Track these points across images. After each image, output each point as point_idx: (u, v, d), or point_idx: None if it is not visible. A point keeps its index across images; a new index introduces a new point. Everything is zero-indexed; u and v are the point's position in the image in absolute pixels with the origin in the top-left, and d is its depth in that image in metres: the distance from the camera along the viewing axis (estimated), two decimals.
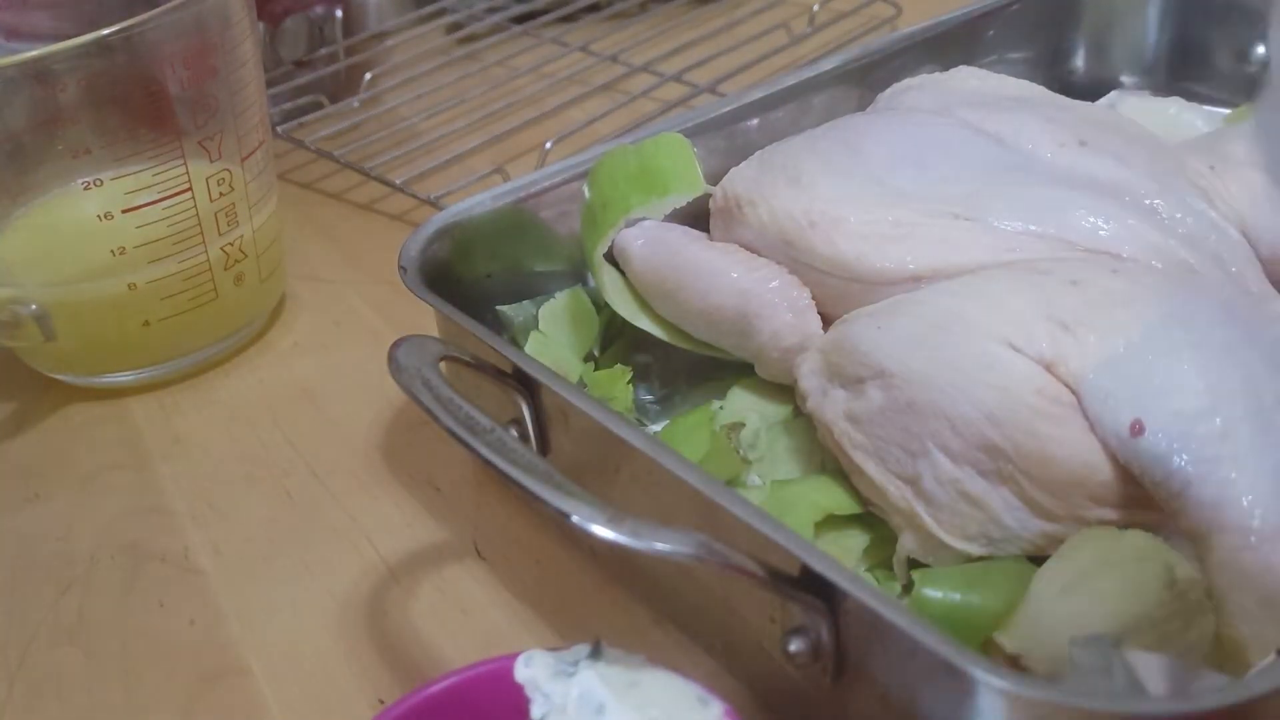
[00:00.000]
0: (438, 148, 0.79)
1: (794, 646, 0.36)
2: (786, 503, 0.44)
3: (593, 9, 0.97)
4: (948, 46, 0.66)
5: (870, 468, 0.43)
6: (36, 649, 0.47)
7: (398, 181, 0.74)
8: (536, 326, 0.54)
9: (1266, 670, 0.31)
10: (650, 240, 0.51)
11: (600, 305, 0.54)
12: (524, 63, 0.90)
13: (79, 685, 0.46)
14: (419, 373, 0.41)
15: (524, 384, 0.46)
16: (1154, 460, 0.38)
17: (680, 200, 0.51)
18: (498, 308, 0.55)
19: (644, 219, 0.52)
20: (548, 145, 0.72)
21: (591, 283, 0.56)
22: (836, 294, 0.47)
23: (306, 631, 0.46)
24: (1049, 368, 0.40)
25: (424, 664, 0.44)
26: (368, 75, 0.88)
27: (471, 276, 0.54)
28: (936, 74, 0.60)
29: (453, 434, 0.39)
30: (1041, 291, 0.42)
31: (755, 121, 0.60)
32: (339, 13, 0.87)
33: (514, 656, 0.35)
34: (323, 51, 0.87)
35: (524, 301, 0.55)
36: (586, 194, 0.53)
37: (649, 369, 0.54)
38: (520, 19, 0.96)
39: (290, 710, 0.43)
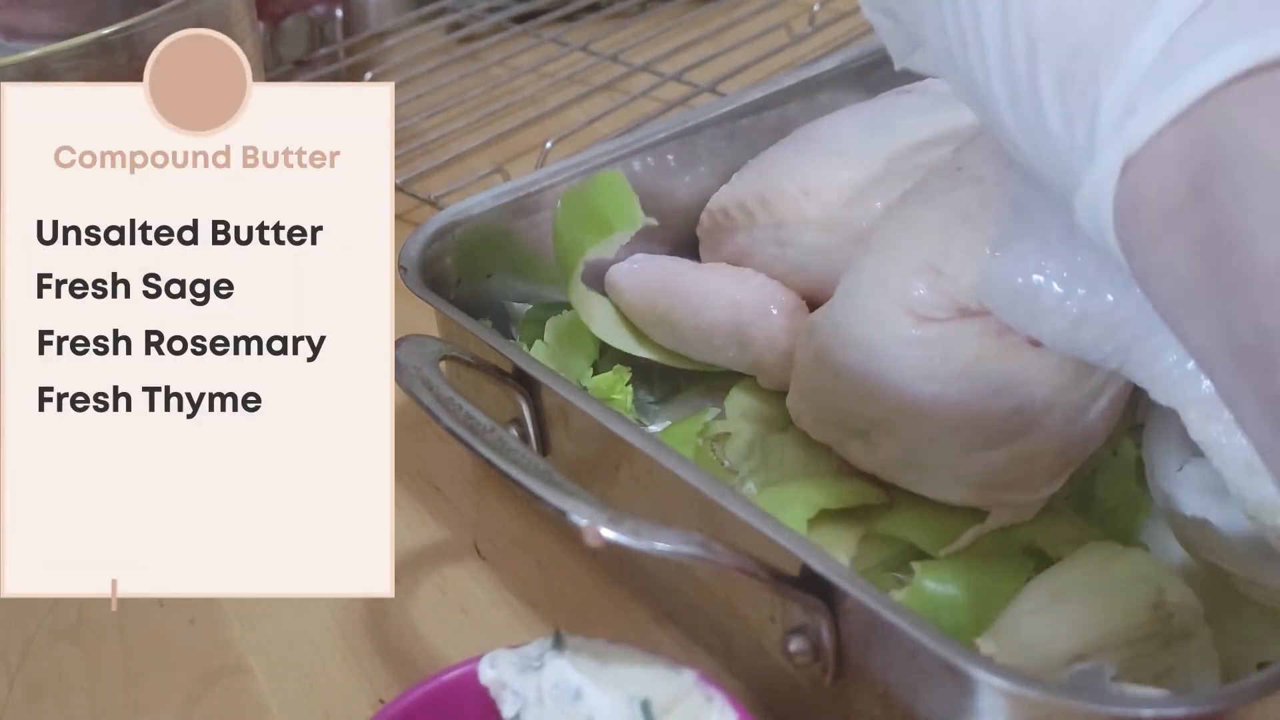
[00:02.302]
0: (438, 147, 0.79)
1: (794, 646, 0.36)
2: (778, 501, 0.44)
3: (593, 9, 0.97)
4: None
5: (937, 495, 0.42)
6: (36, 649, 0.47)
7: (397, 181, 0.74)
8: (537, 326, 0.54)
9: (1268, 673, 0.31)
10: (640, 270, 0.53)
11: None
12: (524, 62, 0.89)
13: (79, 685, 0.46)
14: (419, 372, 0.42)
15: (524, 384, 0.46)
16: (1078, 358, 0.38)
17: (624, 236, 0.50)
18: (501, 303, 0.55)
19: (599, 259, 0.51)
20: (548, 145, 0.72)
21: None
22: (824, 282, 0.47)
23: (306, 631, 0.46)
24: (959, 309, 0.40)
25: (424, 664, 0.44)
26: (368, 75, 0.87)
27: (471, 276, 0.54)
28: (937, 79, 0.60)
29: (453, 434, 0.39)
30: (922, 228, 0.42)
31: (755, 121, 0.60)
32: (339, 13, 0.87)
33: (478, 660, 0.35)
34: (323, 51, 0.87)
35: (524, 304, 0.55)
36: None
37: (649, 369, 0.54)
38: (520, 18, 0.96)
39: (290, 710, 0.43)
